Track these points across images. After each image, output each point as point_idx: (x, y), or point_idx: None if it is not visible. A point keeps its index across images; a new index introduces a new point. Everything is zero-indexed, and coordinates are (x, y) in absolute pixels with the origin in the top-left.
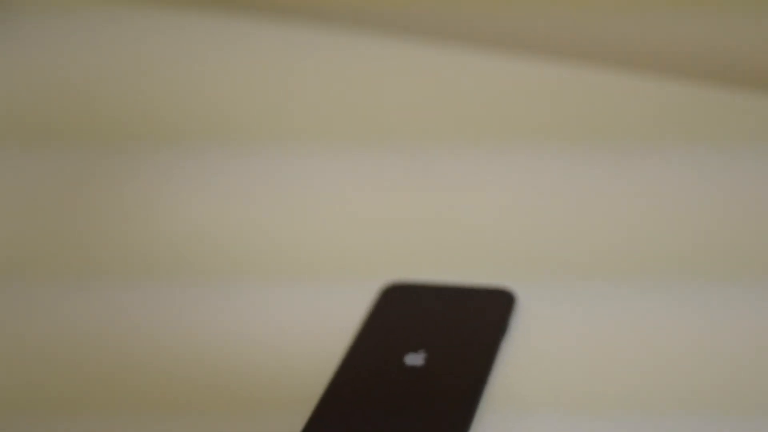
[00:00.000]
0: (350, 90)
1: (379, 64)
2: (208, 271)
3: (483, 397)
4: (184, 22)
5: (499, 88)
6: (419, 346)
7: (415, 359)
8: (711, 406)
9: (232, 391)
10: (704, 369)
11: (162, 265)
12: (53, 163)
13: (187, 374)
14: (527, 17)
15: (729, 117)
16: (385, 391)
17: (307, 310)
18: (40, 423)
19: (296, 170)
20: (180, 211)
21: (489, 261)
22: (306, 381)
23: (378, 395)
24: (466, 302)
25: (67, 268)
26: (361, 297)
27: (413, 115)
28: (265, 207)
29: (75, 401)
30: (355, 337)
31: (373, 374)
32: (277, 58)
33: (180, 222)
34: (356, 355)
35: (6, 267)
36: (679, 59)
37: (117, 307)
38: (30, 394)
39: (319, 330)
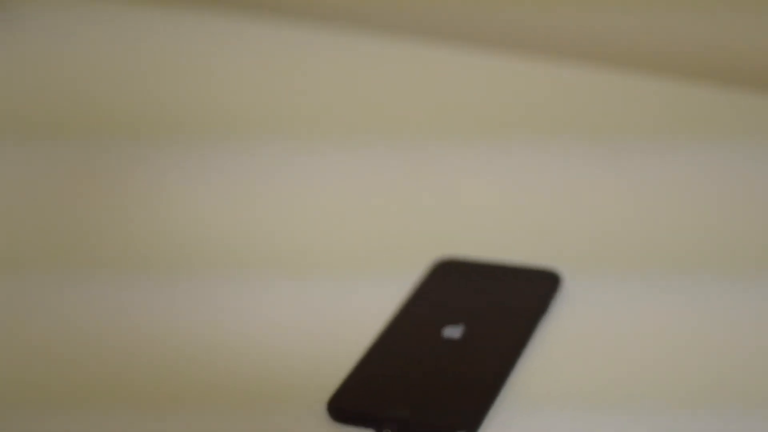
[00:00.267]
0: (365, 86)
1: (379, 63)
2: (249, 262)
3: (512, 374)
4: (183, 20)
5: (518, 86)
6: (459, 320)
7: (452, 332)
8: (753, 404)
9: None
10: (747, 367)
11: (197, 258)
12: (53, 158)
13: (234, 363)
14: (527, 17)
15: (733, 115)
16: (417, 360)
17: (366, 283)
18: (43, 418)
19: (351, 161)
20: (210, 204)
21: (545, 246)
22: (353, 348)
23: (409, 364)
24: (511, 281)
25: (69, 262)
26: (417, 271)
27: (453, 108)
28: (326, 196)
29: (80, 395)
30: (400, 307)
31: (409, 343)
32: (277, 57)
33: (213, 215)
34: (398, 324)
35: (7, 261)
36: (680, 58)
37: (150, 301)
38: (30, 388)
39: (373, 300)
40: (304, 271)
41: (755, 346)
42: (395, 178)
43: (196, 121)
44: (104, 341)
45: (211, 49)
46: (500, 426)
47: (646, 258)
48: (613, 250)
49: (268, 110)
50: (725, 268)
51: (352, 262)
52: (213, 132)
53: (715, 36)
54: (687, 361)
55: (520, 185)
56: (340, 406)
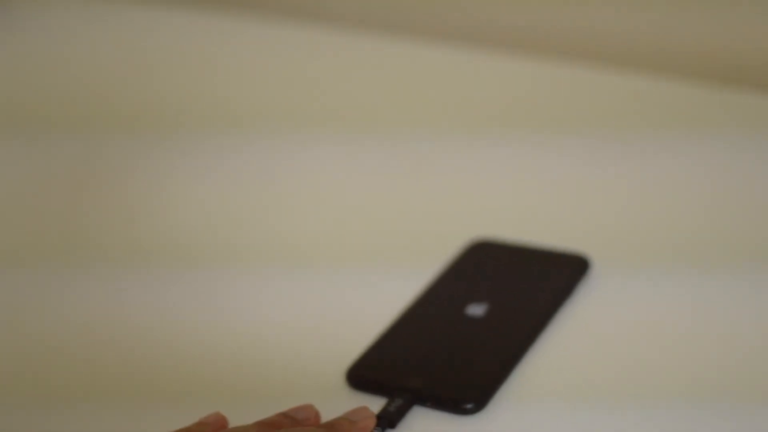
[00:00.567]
0: (383, 82)
1: (378, 62)
2: (278, 250)
3: (527, 354)
4: (183, 19)
5: (532, 83)
6: (483, 299)
7: (476, 310)
8: None
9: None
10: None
11: (209, 251)
12: (54, 156)
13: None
14: (525, 16)
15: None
16: (437, 335)
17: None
18: (43, 412)
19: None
20: (218, 196)
21: (579, 232)
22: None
23: (429, 338)
24: (541, 263)
25: (68, 257)
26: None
27: (466, 104)
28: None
29: (83, 389)
30: (430, 284)
31: (432, 319)
32: (279, 55)
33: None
34: (424, 300)
35: (7, 255)
36: (681, 58)
37: (155, 296)
38: (31, 383)
39: (406, 279)
40: (340, 255)
41: None
42: (437, 164)
43: (200, 118)
44: (110, 335)
45: (210, 47)
46: (512, 404)
47: (678, 250)
48: (645, 241)
49: (279, 106)
50: (753, 265)
51: (390, 243)
52: (222, 129)
53: (710, 33)
54: (709, 355)
55: (553, 174)
56: (357, 375)
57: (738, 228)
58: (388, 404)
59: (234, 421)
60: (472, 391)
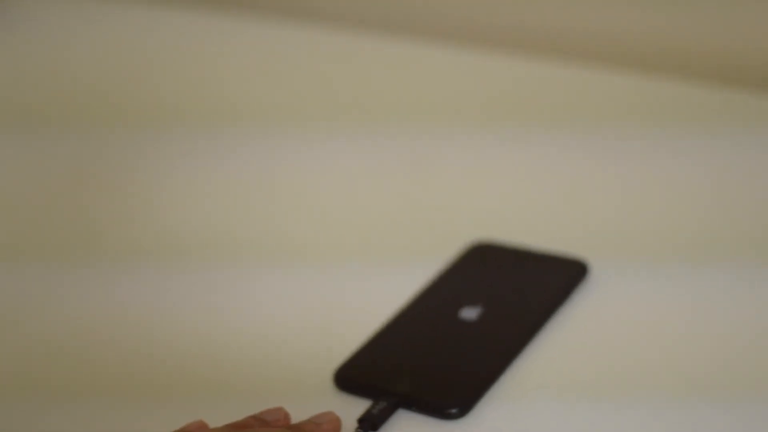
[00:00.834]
0: (386, 80)
1: (380, 61)
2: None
3: (517, 360)
4: (183, 19)
5: (529, 82)
6: (478, 302)
7: (469, 313)
8: None
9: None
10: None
11: (215, 247)
12: (53, 153)
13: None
14: (525, 16)
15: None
16: (428, 338)
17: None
18: (40, 409)
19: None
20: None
21: (577, 235)
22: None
23: (420, 341)
24: (538, 267)
25: (66, 253)
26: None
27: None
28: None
29: (80, 385)
30: (426, 285)
31: (424, 322)
32: (279, 54)
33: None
34: (418, 302)
35: (9, 252)
36: (679, 57)
37: (158, 291)
38: (31, 379)
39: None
40: (338, 252)
41: None
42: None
43: (199, 117)
44: (103, 331)
45: (210, 46)
46: (498, 410)
47: (677, 255)
48: (645, 245)
49: (278, 105)
50: (752, 268)
51: (389, 243)
52: (221, 127)
53: (707, 33)
54: (707, 361)
55: (557, 175)
56: (345, 376)
57: (737, 232)
58: (371, 407)
59: (221, 419)
60: (456, 396)
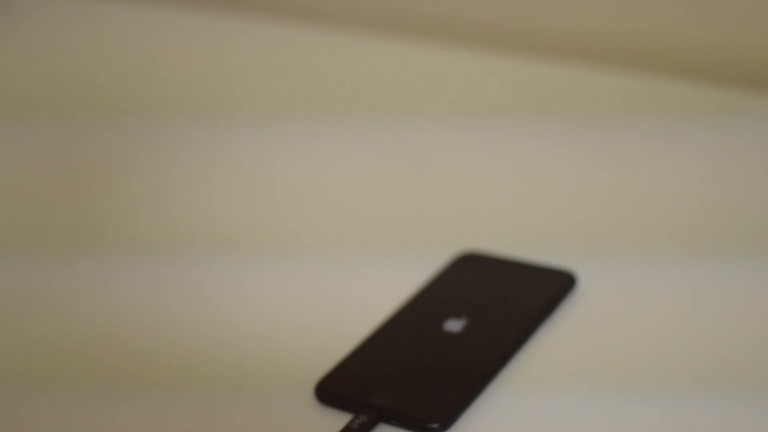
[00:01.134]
0: (374, 78)
1: (375, 62)
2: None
3: (501, 372)
4: (183, 18)
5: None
6: (463, 314)
7: (453, 325)
8: None
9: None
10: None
11: (219, 238)
12: (52, 149)
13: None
14: (521, 15)
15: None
16: (412, 351)
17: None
18: (27, 399)
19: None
20: (224, 188)
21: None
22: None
23: (403, 354)
24: (525, 279)
25: (62, 245)
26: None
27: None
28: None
29: (67, 376)
30: (412, 296)
31: (408, 334)
32: (279, 53)
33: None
34: (403, 314)
35: (11, 244)
36: (677, 57)
37: (154, 283)
38: (32, 372)
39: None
40: (324, 256)
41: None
42: (432, 170)
43: (199, 114)
44: (98, 323)
45: (209, 43)
46: (480, 424)
47: (667, 266)
48: (634, 257)
49: (276, 105)
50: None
51: (376, 250)
52: (219, 123)
53: (702, 31)
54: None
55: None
56: (326, 389)
57: (729, 241)
58: (351, 421)
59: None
60: (438, 410)
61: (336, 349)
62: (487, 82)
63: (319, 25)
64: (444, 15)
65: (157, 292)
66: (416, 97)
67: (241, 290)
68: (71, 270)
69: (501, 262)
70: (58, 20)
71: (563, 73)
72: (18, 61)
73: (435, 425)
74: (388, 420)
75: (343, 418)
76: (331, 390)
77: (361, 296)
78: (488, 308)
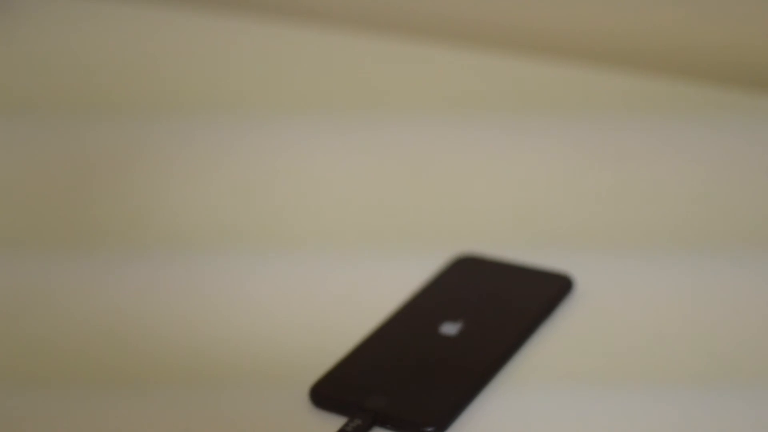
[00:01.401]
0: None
1: (373, 62)
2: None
3: (499, 375)
4: (184, 18)
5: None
6: (459, 317)
7: (450, 329)
8: None
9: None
10: None
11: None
12: (51, 148)
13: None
14: (519, 15)
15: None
16: (408, 354)
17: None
18: (26, 398)
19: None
20: (221, 185)
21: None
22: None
23: (398, 357)
24: (523, 281)
25: (60, 242)
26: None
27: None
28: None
29: (60, 373)
30: (408, 299)
31: (404, 337)
32: (276, 53)
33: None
34: (399, 316)
35: (11, 241)
36: (673, 56)
37: (152, 281)
38: (31, 369)
39: (386, 290)
40: (321, 257)
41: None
42: (432, 171)
43: (198, 111)
44: (94, 322)
45: (209, 43)
46: (476, 428)
47: (665, 271)
48: (632, 261)
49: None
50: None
51: (371, 251)
52: (217, 120)
53: (697, 30)
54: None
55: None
56: (321, 392)
57: (728, 243)
58: (345, 425)
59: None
60: (433, 414)
61: (332, 350)
62: (487, 82)
63: (319, 25)
64: (444, 15)
65: (155, 290)
66: (416, 98)
67: (239, 290)
68: (70, 267)
69: (498, 265)
70: (58, 20)
71: (563, 73)
72: (18, 61)
73: (430, 429)
74: (383, 423)
75: (338, 422)
76: (326, 393)
77: (358, 298)
78: (485, 311)
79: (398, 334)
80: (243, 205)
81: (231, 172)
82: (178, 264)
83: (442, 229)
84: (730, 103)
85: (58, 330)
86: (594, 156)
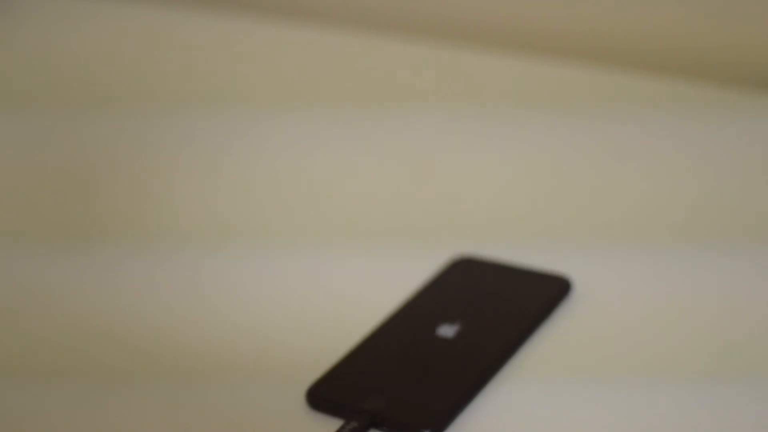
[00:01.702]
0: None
1: (372, 61)
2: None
3: (496, 377)
4: (183, 18)
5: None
6: (456, 319)
7: (447, 331)
8: None
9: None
10: None
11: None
12: (50, 145)
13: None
14: (520, 14)
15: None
16: (404, 356)
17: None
18: (43, 392)
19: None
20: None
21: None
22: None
23: (395, 359)
24: (520, 284)
25: (61, 236)
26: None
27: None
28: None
29: (55, 367)
30: (406, 301)
31: (401, 339)
32: (276, 53)
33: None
34: (397, 318)
35: (11, 237)
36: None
37: (150, 278)
38: (29, 363)
39: (384, 292)
40: (319, 258)
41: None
42: (431, 172)
43: (198, 109)
44: (91, 318)
45: (209, 43)
46: (473, 426)
47: (665, 273)
48: (631, 264)
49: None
50: (742, 283)
51: (368, 252)
52: (217, 118)
53: (693, 29)
54: (696, 379)
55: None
56: (317, 394)
57: (730, 243)
58: (342, 427)
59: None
60: (430, 416)
61: (329, 352)
62: (487, 82)
63: (319, 25)
64: (444, 15)
65: (154, 288)
66: (415, 99)
67: (237, 290)
68: (69, 264)
69: (496, 267)
70: (58, 20)
71: (563, 74)
72: (18, 61)
73: (427, 431)
74: (380, 425)
75: (334, 424)
76: (323, 395)
77: (355, 299)
78: (482, 313)
79: (395, 337)
80: (242, 204)
81: (231, 171)
82: (176, 262)
83: (440, 230)
84: (730, 103)
85: (57, 326)
86: (594, 157)
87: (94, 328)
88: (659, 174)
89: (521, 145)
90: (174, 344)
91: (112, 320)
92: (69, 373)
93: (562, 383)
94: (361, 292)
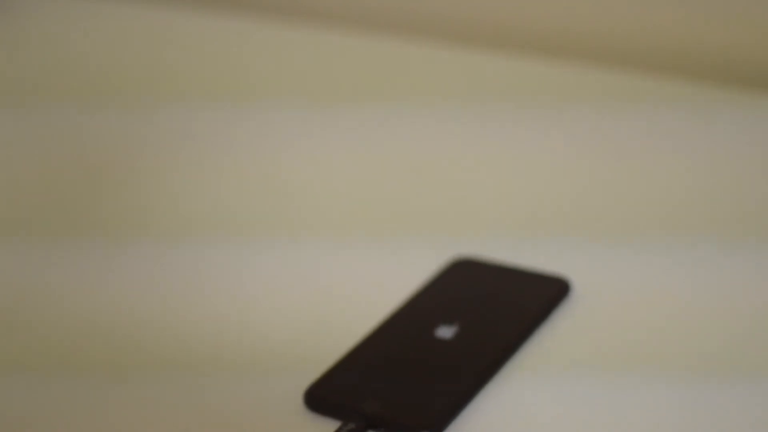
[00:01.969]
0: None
1: (372, 62)
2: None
3: (494, 379)
4: (183, 18)
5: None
6: (455, 320)
7: (445, 332)
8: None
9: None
10: None
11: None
12: (57, 132)
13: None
14: (522, 14)
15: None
16: (403, 357)
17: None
18: (42, 388)
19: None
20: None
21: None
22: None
23: (393, 360)
24: (519, 285)
25: (62, 230)
26: (435, 264)
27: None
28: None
29: (54, 361)
30: (404, 302)
31: (400, 340)
32: (275, 53)
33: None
34: (395, 319)
35: (13, 231)
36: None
37: (150, 274)
38: (31, 358)
39: (384, 292)
40: (318, 258)
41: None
42: (431, 172)
43: (197, 108)
44: (90, 314)
45: (209, 43)
46: (471, 427)
47: (665, 275)
48: (630, 266)
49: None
50: (740, 285)
51: (366, 254)
52: (223, 111)
53: (692, 28)
54: (695, 380)
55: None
56: (315, 396)
57: (730, 243)
58: (339, 428)
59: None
60: (427, 418)
61: (327, 353)
62: (486, 82)
63: (319, 25)
64: (444, 15)
65: (153, 286)
66: (415, 99)
67: (237, 290)
68: (70, 258)
69: (495, 269)
70: (58, 20)
71: (563, 74)
72: (18, 60)
73: None
74: (378, 427)
75: (332, 426)
76: (321, 396)
77: (353, 301)
78: (481, 314)
79: (393, 338)
80: (242, 205)
81: (231, 171)
82: (176, 261)
83: (439, 231)
84: (730, 103)
85: (57, 321)
86: (594, 158)
87: (93, 326)
88: (659, 174)
89: (521, 146)
90: (172, 344)
91: (111, 318)
92: (69, 372)
93: (561, 384)
94: (359, 292)
